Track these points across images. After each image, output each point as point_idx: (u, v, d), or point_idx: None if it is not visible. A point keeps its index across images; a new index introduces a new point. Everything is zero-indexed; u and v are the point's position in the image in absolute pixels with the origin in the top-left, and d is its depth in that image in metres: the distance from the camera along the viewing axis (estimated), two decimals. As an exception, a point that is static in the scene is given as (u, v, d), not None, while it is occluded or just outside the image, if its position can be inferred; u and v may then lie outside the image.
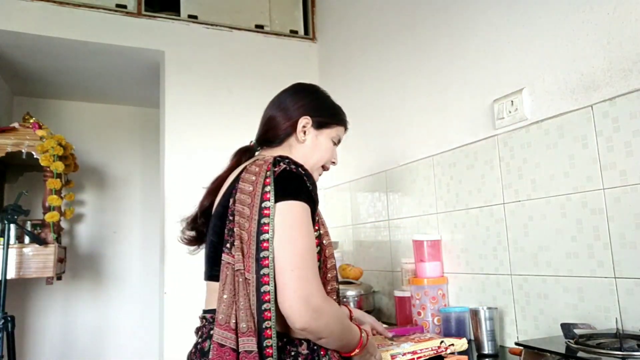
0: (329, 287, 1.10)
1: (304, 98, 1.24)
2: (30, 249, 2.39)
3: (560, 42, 1.38)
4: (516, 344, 1.21)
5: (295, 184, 1.01)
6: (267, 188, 0.99)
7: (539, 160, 1.43)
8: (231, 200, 1.03)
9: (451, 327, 1.58)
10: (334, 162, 1.29)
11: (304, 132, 1.20)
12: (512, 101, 1.52)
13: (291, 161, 1.04)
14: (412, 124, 2.03)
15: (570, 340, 1.04)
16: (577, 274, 1.31)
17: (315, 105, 1.24)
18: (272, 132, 1.21)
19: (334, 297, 1.12)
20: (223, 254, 1.00)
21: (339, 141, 1.29)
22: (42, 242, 2.40)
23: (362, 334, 1.06)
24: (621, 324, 1.12)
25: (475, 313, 1.46)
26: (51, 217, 2.47)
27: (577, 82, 1.33)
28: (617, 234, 1.21)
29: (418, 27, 2.01)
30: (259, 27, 2.83)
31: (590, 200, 1.28)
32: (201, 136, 2.55)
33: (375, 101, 2.30)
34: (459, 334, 1.57)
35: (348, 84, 2.58)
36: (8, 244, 2.26)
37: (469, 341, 1.58)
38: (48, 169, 2.49)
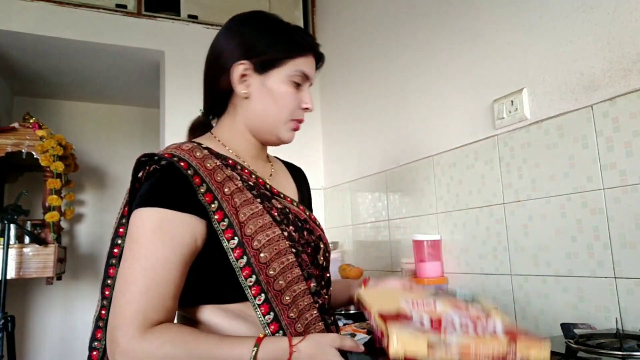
0: (286, 297, 0.80)
1: (237, 34, 0.93)
2: (30, 249, 2.39)
3: (560, 42, 1.38)
4: (516, 344, 1.20)
5: (148, 186, 0.80)
6: (126, 200, 0.87)
7: (539, 160, 1.43)
8: None
9: (451, 327, 1.58)
10: (306, 109, 0.93)
11: (245, 84, 0.90)
12: (512, 101, 1.52)
13: (151, 159, 0.83)
14: (412, 124, 2.03)
15: (570, 340, 1.04)
16: (577, 274, 1.31)
17: (251, 41, 0.90)
18: (211, 94, 0.96)
19: (303, 305, 0.82)
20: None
21: (307, 77, 0.92)
22: (42, 242, 2.41)
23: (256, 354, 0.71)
24: (621, 324, 1.12)
25: (475, 313, 1.46)
26: (51, 217, 2.47)
27: (577, 82, 1.33)
28: (617, 234, 1.21)
29: (418, 27, 2.01)
30: (259, 27, 2.82)
31: (590, 200, 1.28)
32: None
33: (375, 101, 2.30)
34: (459, 334, 1.57)
35: (348, 84, 2.58)
36: (8, 244, 2.26)
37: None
38: (48, 169, 2.49)
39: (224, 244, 0.78)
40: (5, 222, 2.24)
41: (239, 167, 0.89)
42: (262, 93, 0.90)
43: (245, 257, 0.78)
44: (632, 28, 1.20)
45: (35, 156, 2.49)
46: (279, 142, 0.94)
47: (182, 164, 0.80)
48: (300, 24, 2.97)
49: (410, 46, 2.05)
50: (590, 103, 1.29)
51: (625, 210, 1.19)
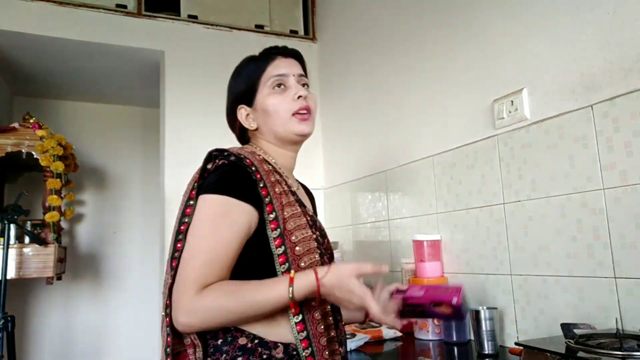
0: (301, 263, 0.93)
1: (229, 89, 1.13)
2: (30, 249, 2.39)
3: (560, 42, 1.38)
4: (516, 344, 1.21)
5: (217, 176, 0.95)
6: (194, 185, 0.98)
7: (539, 160, 1.43)
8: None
9: (451, 327, 1.58)
10: (299, 97, 1.05)
11: (249, 120, 1.09)
12: (512, 101, 1.52)
13: (221, 154, 0.98)
14: (412, 124, 2.03)
15: (570, 340, 1.03)
16: (577, 274, 1.31)
17: (235, 89, 1.11)
18: (235, 131, 1.16)
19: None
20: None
21: (283, 75, 1.06)
22: (42, 242, 2.40)
23: (293, 278, 0.87)
24: (621, 324, 1.12)
25: (475, 313, 1.46)
26: (51, 217, 2.47)
27: (577, 82, 1.33)
28: (617, 234, 1.21)
29: (418, 27, 2.01)
30: (259, 27, 2.83)
31: (590, 200, 1.28)
32: (201, 136, 2.54)
33: (375, 101, 2.30)
34: (459, 334, 1.57)
35: (348, 84, 2.58)
36: (8, 244, 2.26)
37: (469, 341, 1.58)
38: (48, 169, 2.49)
39: (269, 233, 0.93)
40: (5, 222, 2.24)
41: (281, 175, 1.03)
42: (261, 116, 1.07)
43: (283, 247, 0.93)
44: (632, 28, 1.20)
45: (35, 156, 2.49)
46: (298, 137, 1.07)
47: (247, 161, 0.97)
48: (300, 24, 2.98)
49: (410, 46, 2.05)
50: (590, 103, 1.29)
51: (625, 210, 1.19)
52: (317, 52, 2.94)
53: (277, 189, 0.97)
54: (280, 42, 2.99)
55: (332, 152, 2.75)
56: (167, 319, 0.90)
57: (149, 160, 3.58)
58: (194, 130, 2.56)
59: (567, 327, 1.11)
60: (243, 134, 1.14)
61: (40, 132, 2.49)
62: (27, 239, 2.49)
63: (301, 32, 2.96)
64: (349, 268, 0.87)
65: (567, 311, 1.33)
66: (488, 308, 1.47)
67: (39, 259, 2.40)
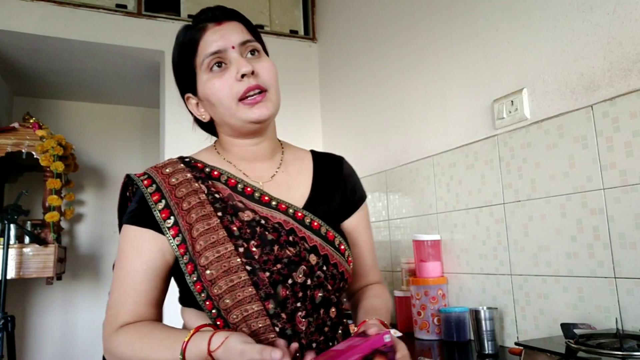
0: (233, 316, 0.77)
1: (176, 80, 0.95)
2: (30, 249, 2.39)
3: (560, 42, 1.38)
4: (516, 344, 1.21)
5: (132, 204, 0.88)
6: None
7: (539, 160, 1.43)
8: None
9: (451, 327, 1.58)
10: (242, 75, 0.83)
11: (200, 109, 0.92)
12: (512, 101, 1.52)
13: (129, 179, 0.89)
14: (412, 124, 2.03)
15: (570, 340, 1.04)
16: (577, 274, 1.31)
17: (177, 74, 0.93)
18: (202, 128, 1.02)
19: (257, 327, 0.77)
20: None
21: (217, 51, 0.85)
22: (42, 242, 2.41)
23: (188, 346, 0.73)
24: (621, 324, 1.12)
25: (475, 313, 1.46)
26: (51, 217, 2.47)
27: (577, 82, 1.33)
28: (617, 234, 1.21)
29: (418, 28, 2.01)
30: (259, 27, 2.82)
31: (590, 200, 1.28)
32: (201, 136, 2.54)
33: (375, 101, 2.30)
34: (459, 334, 1.57)
35: (348, 84, 2.58)
36: (8, 244, 2.27)
37: (469, 341, 1.58)
38: (48, 169, 2.49)
39: (179, 260, 0.81)
40: (5, 222, 2.24)
41: (224, 177, 0.88)
42: (208, 106, 0.89)
43: (195, 273, 0.79)
44: (632, 28, 1.20)
45: (35, 156, 2.49)
46: (250, 125, 0.86)
47: (145, 182, 0.86)
48: (301, 24, 2.98)
49: (411, 46, 2.05)
50: (590, 103, 1.29)
51: (625, 210, 1.19)
52: (317, 52, 2.94)
53: (184, 204, 0.82)
54: (280, 42, 3.03)
55: (332, 152, 2.74)
56: None
57: (149, 160, 3.58)
58: (194, 130, 2.56)
59: (567, 327, 1.12)
60: (210, 126, 0.97)
61: (40, 132, 2.49)
62: (27, 239, 2.49)
63: (301, 32, 2.96)
64: (239, 349, 0.68)
65: (567, 311, 1.33)
66: (488, 308, 1.47)
67: (39, 259, 2.40)
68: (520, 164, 1.49)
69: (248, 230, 0.81)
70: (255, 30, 0.92)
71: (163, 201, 0.83)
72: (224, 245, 0.79)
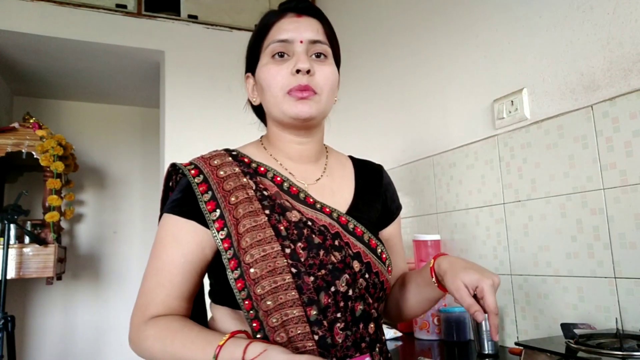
0: (273, 320, 0.74)
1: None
2: (30, 249, 2.39)
3: (560, 42, 1.38)
4: (516, 344, 1.20)
5: (174, 193, 0.87)
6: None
7: (539, 160, 1.43)
8: None
9: (451, 327, 1.58)
10: (298, 71, 0.83)
11: (254, 91, 0.93)
12: (512, 101, 1.52)
13: (173, 168, 0.89)
14: (412, 124, 2.03)
15: (570, 340, 1.03)
16: (577, 274, 1.31)
17: (247, 52, 0.94)
18: (255, 113, 1.01)
19: (295, 334, 0.74)
20: None
21: (285, 40, 0.85)
22: (42, 242, 2.41)
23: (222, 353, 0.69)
24: (621, 324, 1.12)
25: (475, 313, 1.46)
26: (51, 217, 2.47)
27: (577, 82, 1.33)
28: (617, 234, 1.21)
29: (418, 28, 2.01)
30: (259, 27, 2.83)
31: (590, 200, 1.28)
32: (201, 136, 2.55)
33: (375, 101, 2.30)
34: (459, 334, 1.57)
35: (348, 84, 2.58)
36: (8, 244, 2.27)
37: (469, 341, 1.58)
38: (48, 169, 2.50)
39: (222, 254, 0.78)
40: (5, 222, 2.24)
41: (270, 174, 0.87)
42: (260, 91, 0.89)
43: (239, 270, 0.76)
44: (632, 28, 1.20)
45: (35, 156, 2.49)
46: (290, 120, 0.86)
47: (192, 172, 0.84)
48: (300, 24, 2.97)
49: (411, 46, 2.05)
50: (590, 103, 1.29)
51: (625, 210, 1.19)
52: (317, 52, 2.94)
53: (232, 199, 0.80)
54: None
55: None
56: None
57: (149, 161, 3.58)
58: (194, 130, 2.56)
59: (567, 327, 1.11)
60: (260, 112, 0.98)
61: (40, 132, 2.50)
62: (27, 239, 2.49)
63: (301, 32, 2.96)
64: (282, 358, 0.65)
65: (567, 311, 1.33)
66: (488, 308, 1.46)
67: (39, 259, 2.40)
68: (520, 164, 1.49)
69: (295, 232, 0.79)
70: (332, 36, 0.91)
71: (210, 193, 0.81)
72: (270, 245, 0.77)
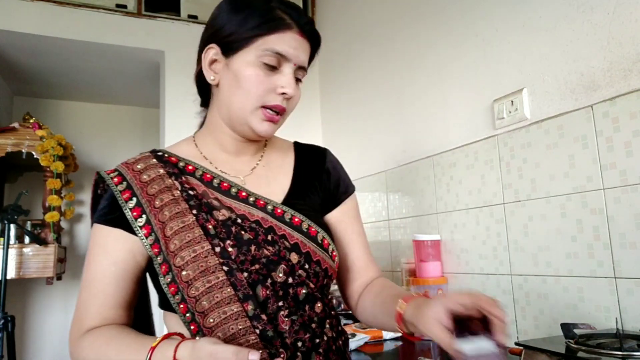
0: (210, 320, 0.74)
1: (212, 17, 0.87)
2: (30, 249, 2.39)
3: (560, 42, 1.38)
4: (516, 344, 1.20)
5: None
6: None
7: (539, 160, 1.43)
8: None
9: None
10: (283, 94, 0.81)
11: (213, 70, 0.84)
12: (512, 101, 1.52)
13: (99, 177, 0.87)
14: (412, 124, 2.03)
15: (570, 340, 1.04)
16: (577, 274, 1.31)
17: (222, 22, 0.83)
18: (196, 84, 0.92)
19: (236, 330, 0.74)
20: None
21: (284, 57, 0.80)
22: (42, 242, 2.41)
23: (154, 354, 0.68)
24: (621, 324, 1.12)
25: (475, 313, 1.46)
26: (51, 217, 2.47)
27: (577, 82, 1.33)
28: (617, 234, 1.21)
29: (418, 27, 2.01)
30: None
31: (590, 200, 1.28)
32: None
33: (375, 101, 2.30)
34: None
35: (348, 84, 2.58)
36: (8, 244, 2.27)
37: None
38: (48, 169, 2.50)
39: (153, 260, 0.78)
40: (5, 222, 2.24)
41: (199, 172, 0.85)
42: (228, 78, 0.82)
43: (170, 274, 0.76)
44: (632, 28, 1.20)
45: (35, 156, 2.49)
46: (255, 135, 0.84)
47: (115, 179, 0.83)
48: (300, 24, 2.97)
49: (411, 46, 2.05)
50: (590, 103, 1.29)
51: (625, 210, 1.19)
52: (317, 52, 2.94)
53: (157, 202, 0.79)
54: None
55: (332, 152, 2.74)
56: None
57: (149, 160, 3.58)
58: (194, 130, 2.56)
59: (567, 327, 1.11)
60: (201, 94, 0.92)
61: (40, 132, 2.50)
62: (27, 239, 2.49)
63: (301, 32, 2.96)
64: (208, 350, 0.62)
65: (567, 311, 1.33)
66: (488, 308, 1.46)
67: (39, 259, 2.40)
68: (520, 164, 1.49)
69: (223, 230, 0.78)
70: (312, 59, 0.89)
71: (134, 199, 0.80)
72: (200, 244, 0.76)
